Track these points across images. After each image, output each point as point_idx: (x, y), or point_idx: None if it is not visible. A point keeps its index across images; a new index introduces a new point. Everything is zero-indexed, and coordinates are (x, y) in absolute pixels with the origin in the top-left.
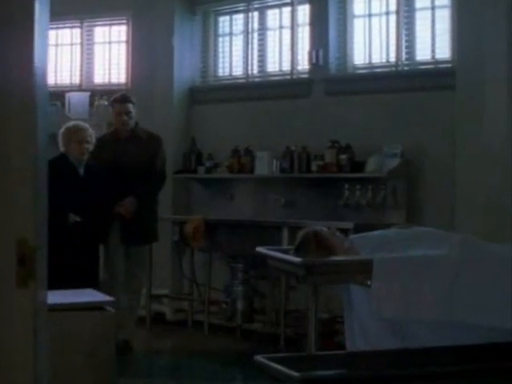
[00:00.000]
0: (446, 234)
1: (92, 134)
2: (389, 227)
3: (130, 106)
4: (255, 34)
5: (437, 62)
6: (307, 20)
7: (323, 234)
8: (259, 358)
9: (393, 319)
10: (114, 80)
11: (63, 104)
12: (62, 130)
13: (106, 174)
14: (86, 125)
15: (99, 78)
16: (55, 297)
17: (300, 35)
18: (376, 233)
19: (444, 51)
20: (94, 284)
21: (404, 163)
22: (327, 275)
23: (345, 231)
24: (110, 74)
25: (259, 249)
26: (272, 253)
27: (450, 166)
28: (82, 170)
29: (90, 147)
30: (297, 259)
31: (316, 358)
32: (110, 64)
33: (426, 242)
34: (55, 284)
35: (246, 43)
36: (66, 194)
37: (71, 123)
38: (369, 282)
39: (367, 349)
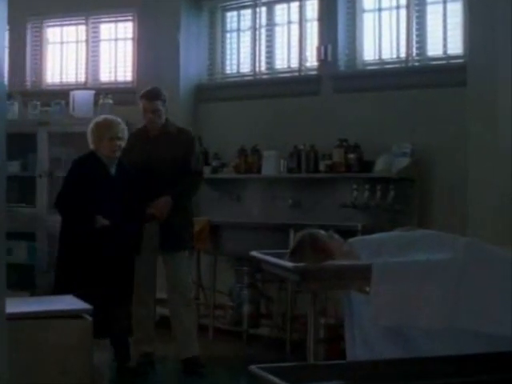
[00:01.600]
0: (450, 237)
1: (124, 129)
2: (407, 227)
3: (159, 104)
4: (263, 30)
5: (449, 57)
6: (316, 15)
7: (319, 237)
8: (253, 368)
9: (393, 327)
10: (121, 78)
11: (67, 103)
12: (91, 126)
13: (138, 173)
14: (118, 119)
15: (105, 76)
16: (28, 304)
17: (309, 30)
18: (376, 236)
19: (456, 46)
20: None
21: (414, 163)
22: (322, 281)
23: (352, 233)
24: (116, 71)
25: (253, 253)
26: (266, 257)
27: (461, 165)
28: (113, 169)
29: (123, 144)
30: (289, 264)
31: (314, 368)
32: (116, 62)
33: (429, 246)
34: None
35: (254, 39)
36: (95, 195)
37: (101, 118)
38: (367, 289)
39: (368, 358)
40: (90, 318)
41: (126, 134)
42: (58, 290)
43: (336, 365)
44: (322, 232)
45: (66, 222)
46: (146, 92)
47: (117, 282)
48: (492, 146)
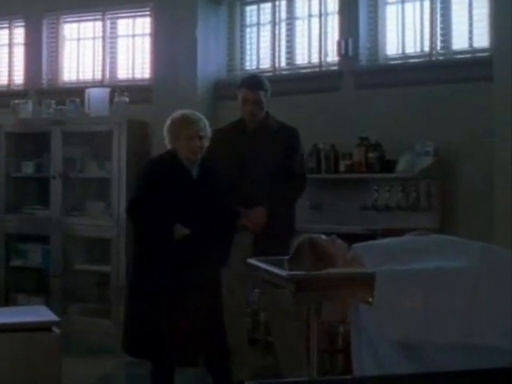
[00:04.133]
0: (464, 243)
1: (206, 126)
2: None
3: (261, 94)
4: (283, 24)
5: (475, 50)
6: (337, 8)
7: (320, 243)
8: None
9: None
10: (138, 75)
11: (83, 101)
12: (167, 122)
13: (227, 175)
14: (198, 115)
15: (123, 73)
16: None
17: (330, 24)
18: (384, 241)
19: (483, 39)
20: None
21: (437, 162)
22: (320, 291)
23: (372, 237)
24: (133, 68)
25: (250, 260)
26: (261, 264)
27: (488, 164)
28: (195, 172)
29: (206, 143)
30: (283, 273)
31: None
32: (133, 58)
33: (442, 252)
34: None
35: (273, 34)
36: (173, 201)
37: (178, 114)
38: (371, 299)
39: (376, 373)
40: (58, 331)
41: (208, 132)
42: (131, 314)
43: (339, 380)
44: (324, 237)
45: (140, 232)
46: (247, 80)
47: (204, 300)
48: None
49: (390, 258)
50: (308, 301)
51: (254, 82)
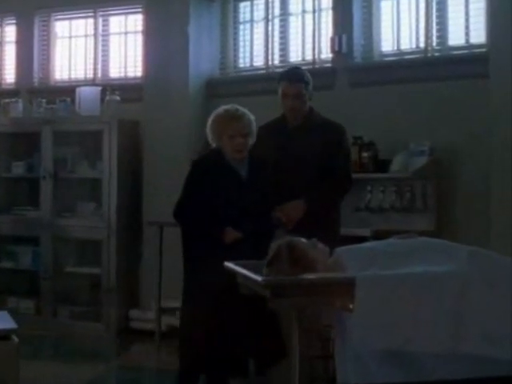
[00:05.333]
0: (453, 246)
1: (250, 123)
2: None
3: (302, 87)
4: (276, 21)
5: (471, 46)
6: (331, 4)
7: (299, 246)
8: None
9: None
10: (131, 74)
11: (73, 100)
12: (209, 120)
13: (273, 174)
14: (242, 110)
15: (115, 71)
16: None
17: (324, 20)
18: (368, 244)
19: (480, 34)
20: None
21: (433, 162)
22: (297, 297)
23: (365, 239)
24: (126, 67)
25: (227, 264)
26: (238, 269)
27: (485, 164)
28: (244, 171)
29: (250, 140)
30: (259, 278)
31: None
32: (126, 56)
33: (429, 256)
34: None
35: (267, 31)
36: (222, 203)
37: (221, 110)
38: (351, 306)
39: (362, 381)
40: (16, 339)
41: (253, 129)
42: (184, 325)
43: None
44: (303, 240)
45: (188, 237)
46: (286, 72)
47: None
48: None
49: (374, 262)
50: (284, 307)
51: (294, 74)
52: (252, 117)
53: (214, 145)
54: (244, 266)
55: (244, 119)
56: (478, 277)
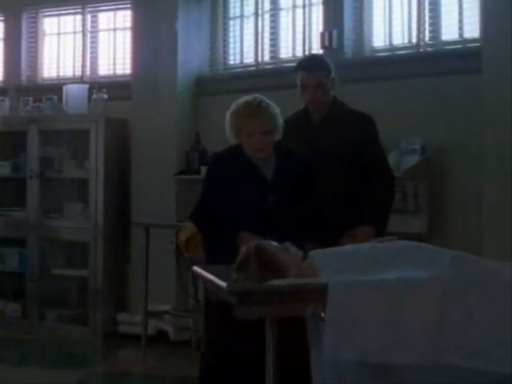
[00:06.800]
0: (436, 250)
1: (273, 118)
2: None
3: (322, 75)
4: (267, 16)
5: (465, 41)
6: None
7: (269, 250)
8: None
9: (354, 362)
10: (120, 71)
11: (61, 98)
12: (228, 112)
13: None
14: (264, 104)
15: (104, 69)
16: None
17: (315, 15)
18: (345, 248)
19: (474, 28)
20: None
21: (425, 161)
22: (265, 305)
23: None
24: (114, 64)
25: (195, 268)
26: (204, 273)
27: (480, 163)
28: (270, 171)
29: (272, 138)
30: (223, 284)
31: None
32: (115, 53)
33: (409, 261)
34: None
35: (257, 26)
36: (241, 204)
37: (241, 101)
38: (323, 314)
39: None
40: None
41: (276, 124)
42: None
43: None
44: (274, 243)
45: (208, 240)
46: (304, 61)
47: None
48: (510, 142)
49: (349, 267)
50: (251, 315)
51: (313, 61)
52: (276, 110)
53: (232, 141)
54: (215, 271)
55: (265, 115)
56: (461, 283)
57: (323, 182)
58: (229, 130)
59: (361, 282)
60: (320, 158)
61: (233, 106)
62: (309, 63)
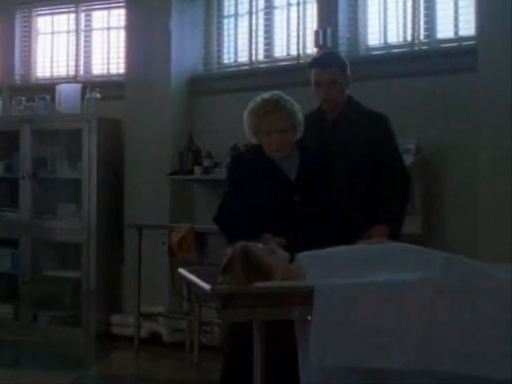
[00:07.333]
0: (426, 252)
1: (294, 115)
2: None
3: (337, 73)
4: (261, 14)
5: (461, 39)
6: None
7: (255, 252)
8: None
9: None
10: (114, 70)
11: (53, 97)
12: (246, 110)
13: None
14: (282, 101)
15: (97, 68)
16: None
17: (309, 13)
18: (333, 250)
19: (469, 26)
20: None
21: (420, 161)
22: (250, 308)
23: None
24: (108, 63)
25: (180, 270)
26: (188, 275)
27: (476, 164)
28: (292, 170)
29: (292, 136)
30: (206, 286)
31: None
32: (108, 53)
33: (398, 263)
34: None
35: (251, 24)
36: (262, 205)
37: (259, 98)
38: (309, 318)
39: None
40: None
41: (296, 121)
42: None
43: None
44: (261, 246)
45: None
46: (318, 58)
47: None
48: (504, 142)
49: (337, 269)
50: (236, 319)
51: (327, 58)
52: (296, 107)
53: (252, 140)
54: (202, 273)
55: (282, 112)
56: (451, 286)
57: (339, 182)
58: (247, 129)
59: (348, 285)
60: (336, 158)
61: (250, 104)
62: (323, 60)
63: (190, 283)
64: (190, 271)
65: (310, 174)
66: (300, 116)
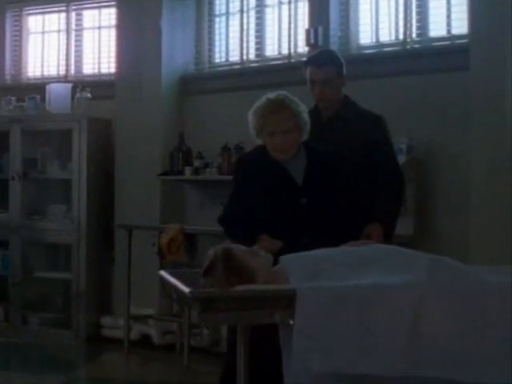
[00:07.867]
0: (413, 254)
1: (298, 115)
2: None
3: (332, 72)
4: (252, 13)
5: (453, 37)
6: None
7: (236, 254)
8: None
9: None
10: (105, 70)
11: (44, 97)
12: (251, 110)
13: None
14: (287, 100)
15: (89, 68)
16: None
17: (300, 11)
18: (317, 252)
19: (462, 24)
20: None
21: (412, 161)
22: (231, 312)
23: None
24: (99, 63)
25: (161, 272)
26: (168, 278)
27: (469, 164)
28: (299, 173)
29: (297, 137)
30: (186, 289)
31: None
32: (99, 52)
33: (384, 266)
34: None
35: (242, 23)
36: (271, 212)
37: (264, 98)
38: (291, 322)
39: None
40: None
41: (301, 122)
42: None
43: None
44: (243, 247)
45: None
46: (314, 56)
47: None
48: (498, 142)
49: (321, 272)
50: (217, 323)
51: (322, 57)
52: (301, 107)
53: (257, 141)
54: (183, 276)
55: (287, 112)
56: (437, 289)
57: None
58: (251, 130)
59: (330, 288)
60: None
61: (255, 104)
62: (319, 58)
63: (169, 286)
64: (172, 274)
65: (316, 177)
66: (305, 116)
